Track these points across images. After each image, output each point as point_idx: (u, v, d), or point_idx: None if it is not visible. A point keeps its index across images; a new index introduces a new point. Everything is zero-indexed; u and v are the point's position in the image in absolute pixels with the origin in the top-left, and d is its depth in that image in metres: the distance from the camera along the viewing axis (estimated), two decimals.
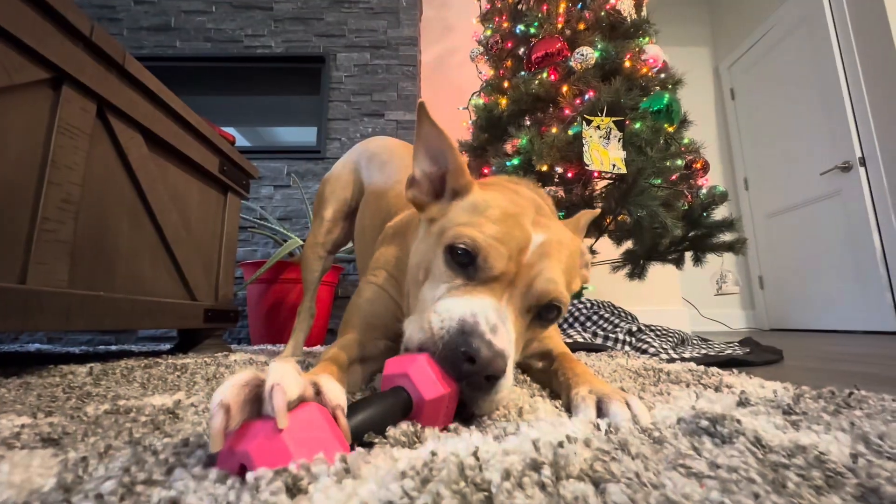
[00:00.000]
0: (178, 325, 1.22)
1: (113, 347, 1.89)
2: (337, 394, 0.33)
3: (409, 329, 0.48)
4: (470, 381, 0.40)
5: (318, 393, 0.33)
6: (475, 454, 0.28)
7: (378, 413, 0.35)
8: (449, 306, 0.44)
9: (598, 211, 0.77)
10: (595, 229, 1.93)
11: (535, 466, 0.27)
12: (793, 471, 0.29)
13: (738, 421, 0.38)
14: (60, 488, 0.24)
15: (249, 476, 0.24)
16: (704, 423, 0.38)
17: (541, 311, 0.49)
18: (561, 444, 0.30)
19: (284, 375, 0.30)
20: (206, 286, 1.37)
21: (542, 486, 0.26)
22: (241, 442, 0.27)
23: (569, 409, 0.49)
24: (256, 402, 0.30)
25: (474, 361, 0.39)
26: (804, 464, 0.30)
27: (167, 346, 1.72)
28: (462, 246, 0.47)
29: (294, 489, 0.23)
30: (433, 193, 0.62)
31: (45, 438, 0.39)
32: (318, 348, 1.72)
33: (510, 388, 0.44)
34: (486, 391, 0.42)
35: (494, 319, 0.43)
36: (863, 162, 2.75)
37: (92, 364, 0.95)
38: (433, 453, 0.28)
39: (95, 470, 0.29)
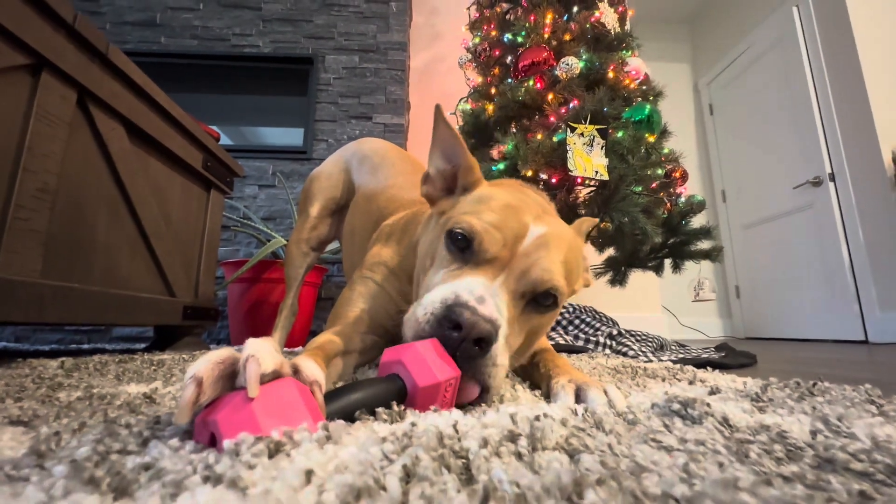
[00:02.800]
0: (155, 322, 1.19)
1: (85, 346, 1.83)
2: (314, 371, 0.33)
3: (405, 322, 0.48)
4: (462, 351, 0.41)
5: (296, 372, 0.33)
6: (454, 426, 0.29)
7: (367, 397, 0.35)
8: (432, 294, 0.45)
9: (596, 220, 0.80)
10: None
11: (512, 438, 0.28)
12: (756, 445, 0.30)
13: (708, 405, 0.40)
14: (33, 454, 0.24)
15: (228, 443, 0.24)
16: (676, 406, 0.40)
17: (537, 298, 0.50)
18: (538, 418, 0.31)
19: (261, 349, 0.30)
20: (186, 282, 1.34)
21: (519, 456, 0.26)
22: (212, 412, 0.27)
23: (548, 397, 0.50)
24: (231, 378, 0.30)
25: (461, 328, 0.40)
26: (767, 440, 0.32)
27: (143, 346, 1.68)
28: (459, 230, 0.50)
29: (275, 453, 0.23)
30: (445, 190, 0.66)
31: (14, 421, 0.38)
32: (298, 349, 1.70)
33: (505, 366, 0.45)
34: (482, 359, 0.42)
35: (481, 292, 0.44)
36: (832, 177, 2.87)
37: (63, 358, 0.92)
38: (413, 424, 0.28)
39: (69, 443, 0.28)
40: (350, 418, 0.34)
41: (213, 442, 0.26)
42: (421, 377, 0.37)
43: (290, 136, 2.71)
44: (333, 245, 1.95)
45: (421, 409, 0.38)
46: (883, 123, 2.59)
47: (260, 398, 0.27)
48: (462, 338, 0.40)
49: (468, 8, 2.34)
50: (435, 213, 0.64)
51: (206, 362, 0.28)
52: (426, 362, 0.38)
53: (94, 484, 0.20)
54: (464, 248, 0.50)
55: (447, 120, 0.62)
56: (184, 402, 0.26)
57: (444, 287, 0.46)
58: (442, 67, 3.00)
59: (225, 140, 2.68)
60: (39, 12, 0.82)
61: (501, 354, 0.44)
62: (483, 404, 0.44)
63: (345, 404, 0.34)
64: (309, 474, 0.20)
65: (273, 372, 0.30)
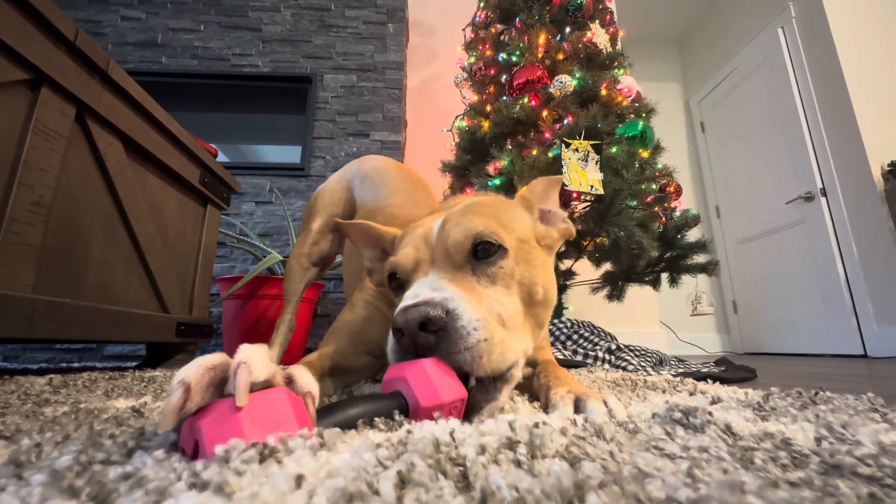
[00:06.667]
0: (148, 338, 1.17)
1: (75, 364, 1.79)
2: (309, 381, 0.32)
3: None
4: (420, 348, 0.40)
5: (290, 383, 0.32)
6: (451, 434, 0.28)
7: (364, 413, 0.33)
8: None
9: (560, 177, 0.81)
10: (574, 250, 1.97)
11: (511, 445, 0.27)
12: (760, 452, 0.30)
13: (710, 413, 0.39)
14: (11, 463, 0.23)
15: (219, 448, 0.23)
16: (678, 414, 0.39)
17: (478, 255, 0.49)
18: (536, 426, 0.30)
19: (253, 356, 0.29)
20: (181, 299, 1.33)
21: (518, 463, 0.26)
22: (199, 419, 0.26)
23: (547, 409, 0.49)
24: (222, 385, 0.29)
25: (402, 331, 0.41)
26: (771, 447, 0.31)
27: (134, 364, 1.65)
28: (388, 273, 0.54)
29: (266, 459, 0.22)
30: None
31: None
32: None
33: (489, 334, 0.41)
34: (447, 341, 0.40)
35: (415, 290, 0.45)
36: (823, 192, 2.91)
37: (52, 375, 0.90)
38: (409, 432, 0.28)
39: (50, 454, 0.27)
40: None
41: (198, 450, 0.25)
42: (424, 396, 0.35)
43: (288, 154, 2.73)
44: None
45: None
46: (871, 139, 2.64)
47: (248, 408, 0.26)
48: (409, 335, 0.40)
49: (463, 29, 2.40)
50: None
51: (197, 367, 0.27)
52: (431, 381, 0.36)
53: (72, 493, 0.19)
54: (401, 284, 0.53)
55: (347, 224, 0.72)
56: (169, 408, 0.25)
57: None
58: (438, 86, 3.06)
59: (223, 157, 2.70)
60: (41, 28, 0.83)
61: (476, 329, 0.40)
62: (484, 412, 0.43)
63: (340, 420, 0.32)
64: (300, 479, 0.19)
65: (265, 381, 0.29)
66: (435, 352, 0.40)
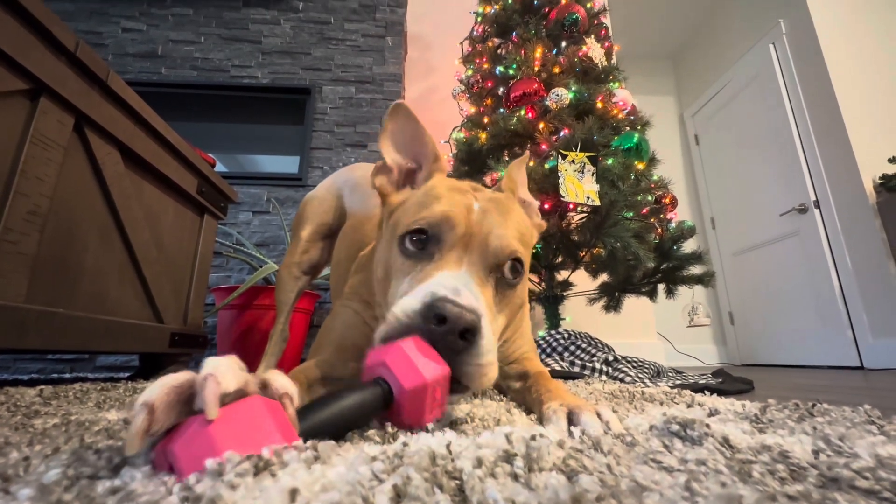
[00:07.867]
0: (141, 349, 1.16)
1: (67, 375, 1.77)
2: (284, 383, 0.31)
3: (377, 331, 0.46)
4: (447, 343, 0.39)
5: (265, 388, 0.31)
6: (448, 447, 0.28)
7: (347, 407, 0.32)
8: (407, 299, 0.44)
9: (526, 155, 0.81)
10: (571, 261, 1.98)
11: (508, 458, 0.27)
12: (759, 465, 0.30)
13: (708, 426, 0.39)
14: None
15: (211, 462, 0.23)
16: (675, 427, 0.39)
17: (503, 270, 0.50)
18: (533, 438, 0.30)
19: (220, 367, 0.28)
20: (175, 308, 1.32)
21: (515, 477, 0.25)
22: (170, 440, 0.25)
23: (541, 422, 0.48)
24: (190, 402, 0.27)
25: (445, 321, 0.38)
26: (769, 459, 0.31)
27: (127, 375, 1.63)
28: (416, 227, 0.49)
29: (260, 472, 0.22)
30: (399, 185, 0.65)
31: None
32: None
33: (494, 357, 0.42)
34: (468, 353, 0.40)
35: (455, 284, 0.43)
36: (817, 204, 2.94)
37: (42, 386, 0.89)
38: (405, 444, 0.27)
39: (37, 468, 0.27)
40: (332, 433, 0.32)
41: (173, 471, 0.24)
42: (407, 378, 0.35)
43: (286, 164, 2.74)
44: (328, 271, 1.94)
45: (409, 413, 0.35)
46: (862, 153, 2.68)
47: (220, 420, 0.25)
48: (447, 331, 0.39)
49: (461, 43, 2.43)
50: (385, 214, 0.62)
51: (160, 387, 0.26)
52: (411, 361, 0.35)
53: None
54: (423, 247, 0.49)
55: (408, 112, 0.63)
56: (132, 432, 0.24)
57: (419, 289, 0.43)
58: (436, 98, 3.09)
59: (221, 167, 2.71)
60: (42, 39, 0.84)
61: (490, 351, 0.41)
62: (483, 427, 0.42)
63: (324, 418, 0.31)
64: (294, 493, 0.19)
65: (237, 391, 0.28)
66: (450, 355, 0.39)
